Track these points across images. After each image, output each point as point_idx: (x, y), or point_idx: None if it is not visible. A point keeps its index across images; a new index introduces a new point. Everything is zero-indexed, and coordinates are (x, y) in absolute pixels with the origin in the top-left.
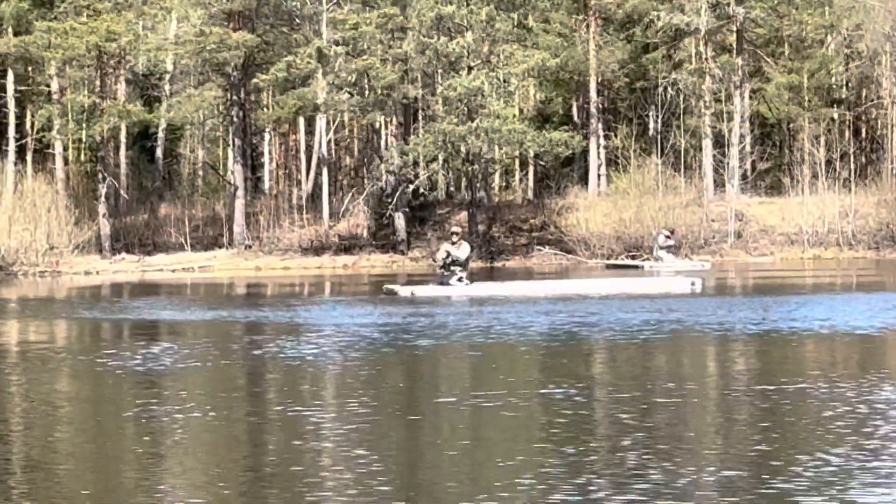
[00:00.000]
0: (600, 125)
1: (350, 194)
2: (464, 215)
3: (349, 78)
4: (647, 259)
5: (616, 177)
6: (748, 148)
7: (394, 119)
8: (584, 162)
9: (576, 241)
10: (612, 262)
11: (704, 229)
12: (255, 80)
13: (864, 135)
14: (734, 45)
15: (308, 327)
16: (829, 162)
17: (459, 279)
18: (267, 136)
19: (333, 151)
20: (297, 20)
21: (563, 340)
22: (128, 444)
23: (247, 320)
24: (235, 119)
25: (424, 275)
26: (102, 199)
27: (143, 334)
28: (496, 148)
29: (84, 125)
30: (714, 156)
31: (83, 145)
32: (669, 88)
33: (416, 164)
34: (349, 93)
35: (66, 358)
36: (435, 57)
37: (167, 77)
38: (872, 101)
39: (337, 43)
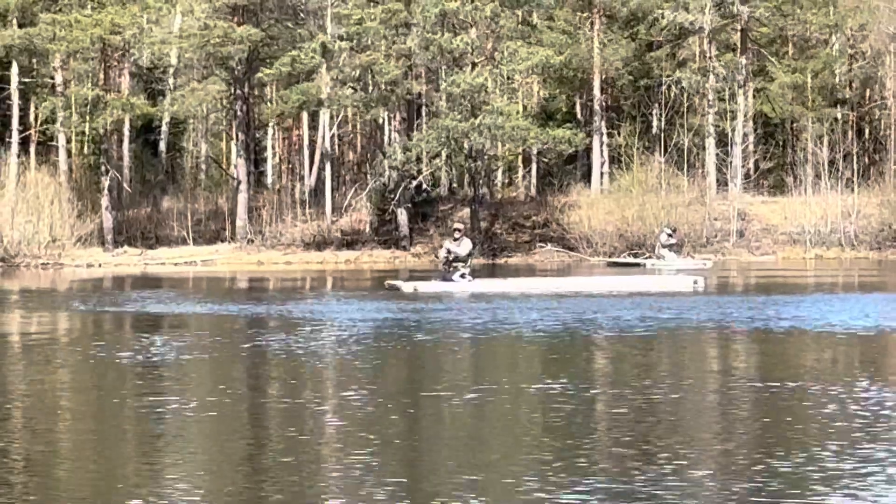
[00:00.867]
0: (603, 123)
1: (353, 190)
2: (466, 212)
3: (353, 73)
4: (649, 257)
5: (619, 175)
6: (751, 147)
7: (397, 115)
8: (586, 159)
9: (578, 238)
10: (613, 259)
11: (707, 228)
12: (258, 75)
13: (867, 135)
14: (738, 44)
15: (310, 321)
16: (831, 162)
17: (462, 275)
18: (270, 131)
19: (337, 146)
20: (302, 15)
21: (563, 337)
22: (129, 434)
23: (248, 314)
24: (239, 113)
25: (426, 271)
26: (105, 191)
27: (145, 326)
28: (499, 144)
29: (87, 118)
30: (717, 154)
31: (86, 138)
32: (673, 87)
33: (418, 160)
34: (353, 88)
35: (67, 349)
36: (439, 53)
37: (171, 70)
38: (876, 101)
39: (341, 38)
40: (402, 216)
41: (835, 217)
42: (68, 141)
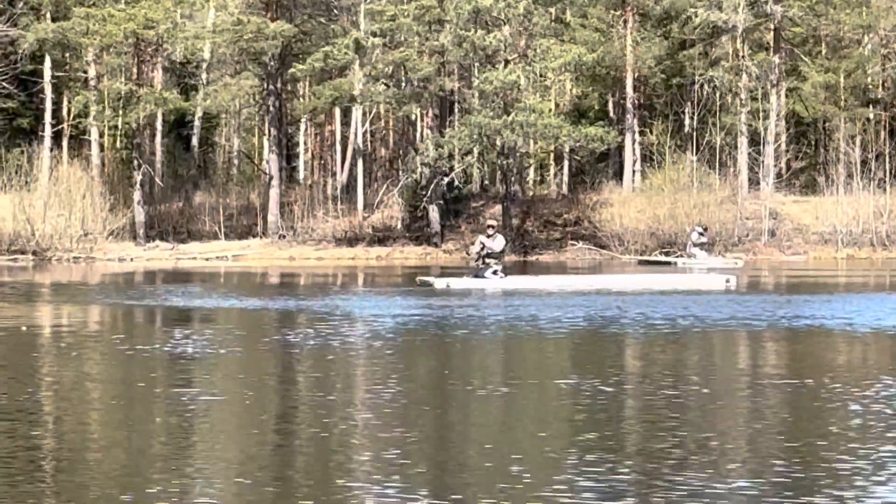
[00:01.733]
0: (636, 121)
1: (385, 186)
2: (498, 209)
3: (386, 69)
4: (681, 256)
5: (651, 173)
6: (783, 146)
7: (429, 111)
8: (618, 157)
9: (609, 236)
10: (645, 258)
11: (738, 227)
12: (291, 70)
13: None
14: (771, 44)
15: (342, 317)
16: (864, 162)
17: (494, 272)
18: (302, 126)
19: (369, 143)
20: (335, 11)
21: (594, 334)
22: (159, 426)
23: (280, 309)
24: (271, 108)
25: (458, 267)
26: (137, 186)
27: (176, 320)
28: (531, 142)
29: (120, 112)
30: (749, 154)
31: (119, 132)
32: (706, 85)
33: (451, 156)
34: (385, 84)
35: (98, 342)
36: (472, 50)
37: (204, 65)
38: None
39: (374, 34)
40: (434, 213)
41: (866, 217)
42: (101, 135)
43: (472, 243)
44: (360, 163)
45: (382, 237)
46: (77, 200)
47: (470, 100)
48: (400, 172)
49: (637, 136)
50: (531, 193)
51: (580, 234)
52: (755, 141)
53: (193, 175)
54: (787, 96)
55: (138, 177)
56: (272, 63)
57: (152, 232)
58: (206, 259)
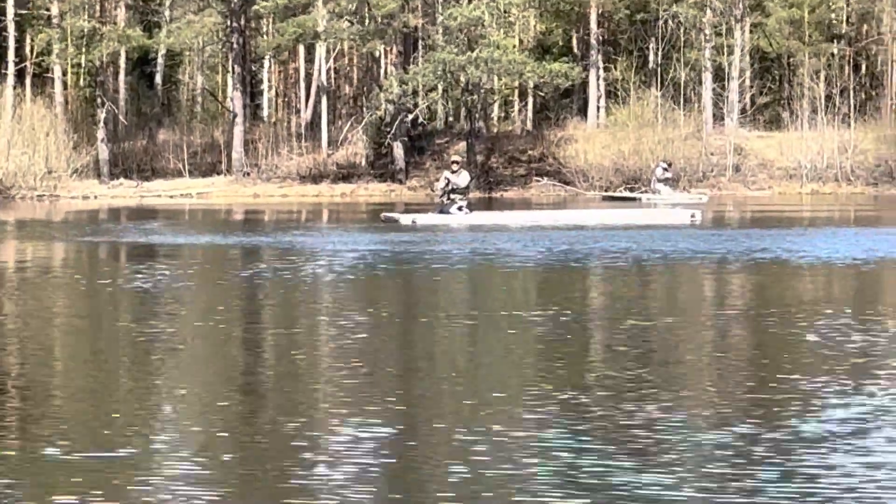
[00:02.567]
0: (600, 57)
1: (349, 123)
2: (462, 145)
3: (349, 6)
4: (645, 191)
5: (615, 109)
6: (748, 82)
7: (393, 48)
8: (583, 94)
9: (574, 172)
10: (609, 194)
11: (703, 163)
12: (255, 7)
13: (863, 70)
14: None
15: (306, 252)
16: (828, 97)
17: (459, 208)
18: (266, 64)
19: (333, 80)
20: None
21: (559, 269)
22: (124, 362)
23: (244, 245)
24: (235, 46)
25: (422, 204)
26: (101, 124)
27: (140, 257)
28: (495, 78)
29: (83, 50)
30: (713, 89)
31: (82, 70)
32: (670, 21)
33: (415, 93)
34: (349, 21)
35: (62, 278)
36: None
37: (167, 2)
38: (873, 36)
39: None
40: (398, 150)
41: (831, 152)
42: (64, 73)
43: (437, 180)
44: (324, 100)
45: (347, 174)
46: (41, 138)
47: (434, 36)
48: (364, 109)
49: (601, 71)
50: (495, 130)
51: (545, 170)
52: (719, 76)
53: (157, 113)
54: (751, 31)
55: (102, 115)
56: (235, 0)
57: (116, 170)
58: (171, 197)
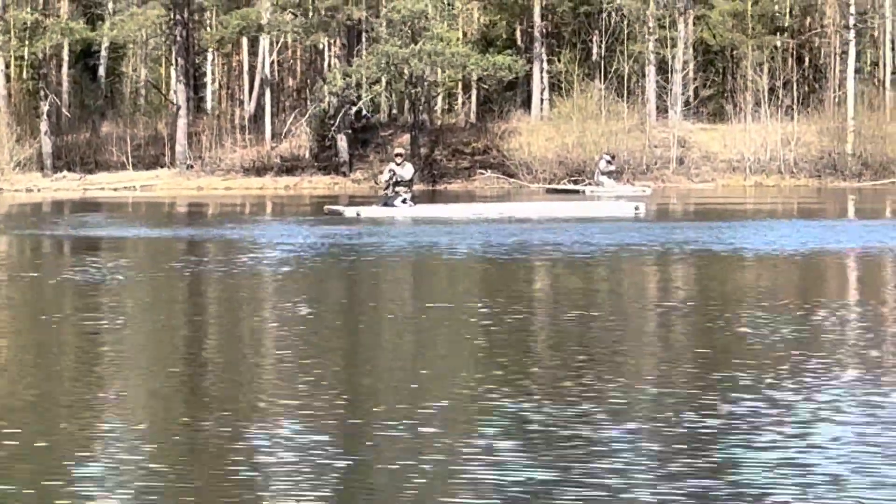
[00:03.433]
0: (544, 49)
1: (293, 115)
2: (406, 138)
3: None
4: (589, 184)
5: (559, 101)
6: (691, 74)
7: (337, 41)
8: (527, 86)
9: (518, 165)
10: (552, 186)
11: (647, 155)
12: (198, 0)
13: (807, 63)
14: None
15: (250, 244)
16: (771, 89)
17: (404, 200)
18: (210, 56)
19: (276, 72)
20: None
21: (503, 261)
22: (66, 355)
23: (187, 237)
24: (178, 38)
25: (366, 196)
26: (44, 116)
27: (84, 249)
28: (439, 71)
29: (26, 42)
30: (657, 82)
31: (25, 63)
32: (613, 13)
33: (359, 85)
34: (293, 13)
35: (3, 270)
36: None
37: None
38: (816, 29)
39: None
40: (342, 142)
41: (774, 145)
42: (7, 66)
43: (381, 172)
44: (267, 92)
45: (290, 167)
46: None
47: (378, 29)
48: (308, 102)
49: (545, 64)
50: (439, 122)
51: (488, 162)
52: (663, 69)
53: (100, 105)
54: (694, 24)
55: (45, 107)
56: None
57: (60, 162)
58: (114, 189)
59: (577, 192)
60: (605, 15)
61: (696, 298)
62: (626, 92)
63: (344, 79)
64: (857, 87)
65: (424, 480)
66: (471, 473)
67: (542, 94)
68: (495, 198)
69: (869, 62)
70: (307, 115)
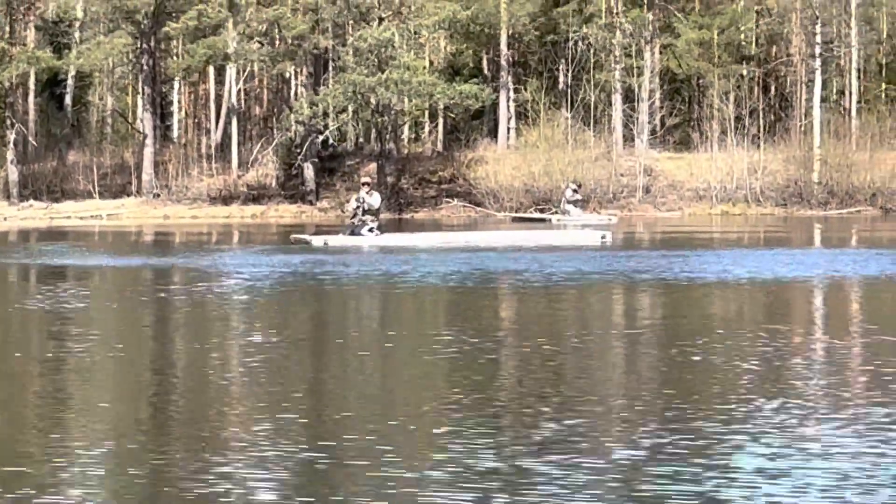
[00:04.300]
0: (510, 78)
1: (259, 144)
2: (373, 166)
3: (260, 27)
4: (555, 212)
5: (525, 130)
6: (658, 103)
7: (304, 69)
8: (493, 115)
9: (484, 193)
10: (519, 215)
11: (613, 184)
12: (165, 29)
13: (773, 92)
14: (645, 0)
15: (217, 273)
16: (738, 118)
17: (370, 229)
18: (176, 85)
19: (243, 101)
20: None
21: (471, 290)
22: (34, 383)
23: (154, 266)
24: (145, 67)
25: (333, 225)
26: (11, 145)
27: (50, 278)
28: (406, 99)
29: None
30: (623, 111)
31: None
32: (580, 42)
33: (325, 114)
34: (259, 42)
35: None
36: (346, 7)
37: (77, 24)
38: (781, 58)
39: None
40: (309, 171)
41: (741, 173)
42: None
43: (348, 201)
44: (234, 121)
45: (257, 195)
46: None
47: (344, 57)
48: (274, 131)
49: (511, 93)
50: (406, 151)
51: (455, 191)
52: (629, 98)
53: (67, 134)
54: (660, 53)
55: (11, 136)
56: (145, 21)
57: (26, 191)
58: (81, 218)
59: (543, 220)
60: (571, 44)
61: (656, 326)
62: (592, 121)
63: (311, 107)
64: (824, 115)
65: None
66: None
67: (508, 122)
68: (462, 226)
69: (835, 91)
70: (274, 144)
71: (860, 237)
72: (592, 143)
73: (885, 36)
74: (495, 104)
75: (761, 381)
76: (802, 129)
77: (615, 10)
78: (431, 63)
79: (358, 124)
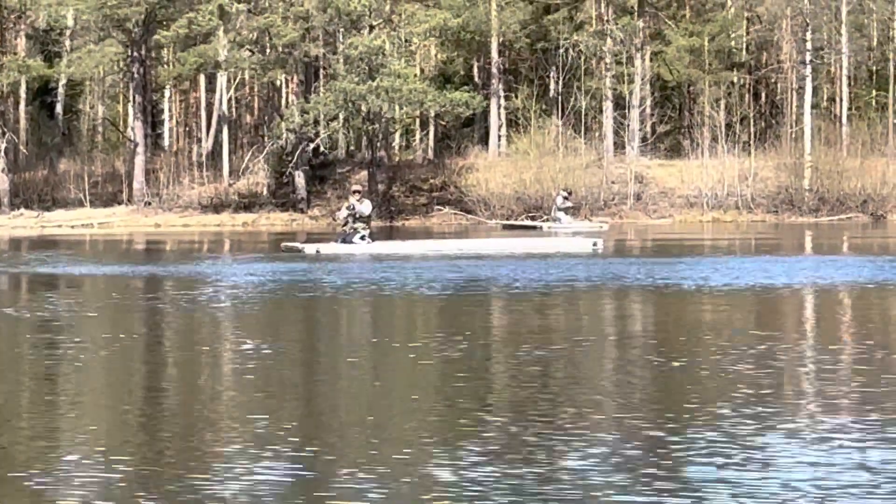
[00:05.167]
0: (501, 86)
1: (250, 152)
2: (364, 174)
3: (250, 35)
4: (546, 220)
5: (516, 138)
6: (648, 110)
7: (295, 77)
8: (484, 122)
9: (475, 201)
10: (510, 222)
11: (604, 191)
12: (156, 37)
13: (763, 99)
14: (635, 7)
15: (208, 281)
16: (728, 125)
17: (362, 237)
18: (167, 93)
19: (234, 109)
20: None
21: (463, 297)
22: (24, 391)
23: (146, 274)
24: (136, 75)
25: (324, 233)
26: (1, 154)
27: (41, 286)
28: (397, 107)
29: None
30: (614, 118)
31: None
32: (571, 50)
33: (316, 122)
34: (250, 50)
35: None
36: (336, 15)
37: (68, 32)
38: (772, 65)
39: (238, 0)
40: (300, 179)
41: (732, 180)
42: None
43: (339, 209)
44: (225, 129)
45: (248, 203)
46: None
47: (335, 65)
48: (265, 139)
49: (502, 100)
50: (397, 159)
51: (446, 199)
52: (620, 105)
53: (58, 143)
54: (651, 60)
55: (2, 144)
56: (136, 30)
57: (17, 200)
58: (72, 227)
59: (534, 227)
60: (562, 51)
61: (649, 333)
62: (583, 128)
63: (301, 115)
64: (814, 122)
65: None
66: None
67: (499, 130)
68: (453, 234)
69: (825, 98)
70: (265, 152)
71: (851, 244)
72: (583, 151)
73: (875, 43)
74: (486, 112)
75: (724, 389)
76: (793, 135)
77: (605, 18)
78: (422, 71)
79: (349, 132)
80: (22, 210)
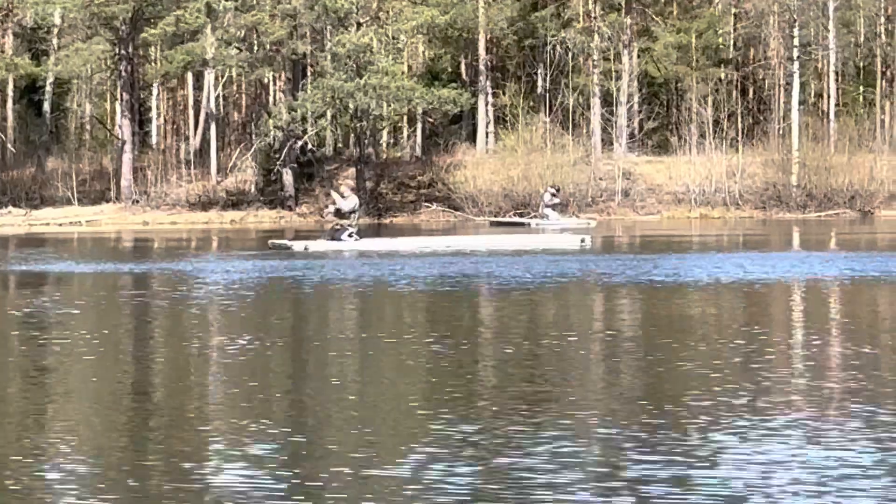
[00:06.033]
0: (489, 83)
1: (238, 150)
2: (352, 172)
3: (238, 33)
4: (534, 217)
5: (504, 134)
6: (636, 107)
7: (282, 75)
8: (472, 119)
9: (463, 198)
10: (497, 219)
11: (592, 188)
12: (143, 35)
13: (751, 95)
14: (623, 4)
15: (195, 279)
16: (716, 121)
17: (350, 234)
18: (155, 91)
19: (222, 107)
20: None
21: (451, 293)
22: (11, 389)
23: (134, 272)
24: (123, 73)
25: (312, 230)
26: None
27: (29, 284)
28: (384, 104)
29: None
30: (602, 114)
31: None
32: (558, 46)
33: (304, 120)
34: (238, 48)
35: None
36: (324, 12)
37: (55, 30)
38: (759, 61)
39: None
40: (288, 176)
41: (719, 177)
42: None
43: (326, 206)
44: (212, 127)
45: (236, 201)
46: None
47: (323, 63)
48: (253, 136)
49: (490, 97)
50: (385, 156)
51: (434, 196)
52: (608, 102)
53: (45, 140)
54: (639, 57)
55: None
56: (123, 27)
57: (4, 198)
58: (60, 225)
59: (522, 224)
60: (549, 48)
61: (633, 328)
62: (571, 125)
63: (289, 113)
64: (802, 118)
65: None
66: None
67: (487, 127)
68: (441, 231)
69: (813, 94)
70: (252, 150)
71: (839, 240)
72: (571, 147)
73: (862, 39)
74: (474, 109)
75: (698, 385)
76: (781, 132)
77: (593, 15)
78: (410, 68)
79: (336, 129)
80: (10, 208)
